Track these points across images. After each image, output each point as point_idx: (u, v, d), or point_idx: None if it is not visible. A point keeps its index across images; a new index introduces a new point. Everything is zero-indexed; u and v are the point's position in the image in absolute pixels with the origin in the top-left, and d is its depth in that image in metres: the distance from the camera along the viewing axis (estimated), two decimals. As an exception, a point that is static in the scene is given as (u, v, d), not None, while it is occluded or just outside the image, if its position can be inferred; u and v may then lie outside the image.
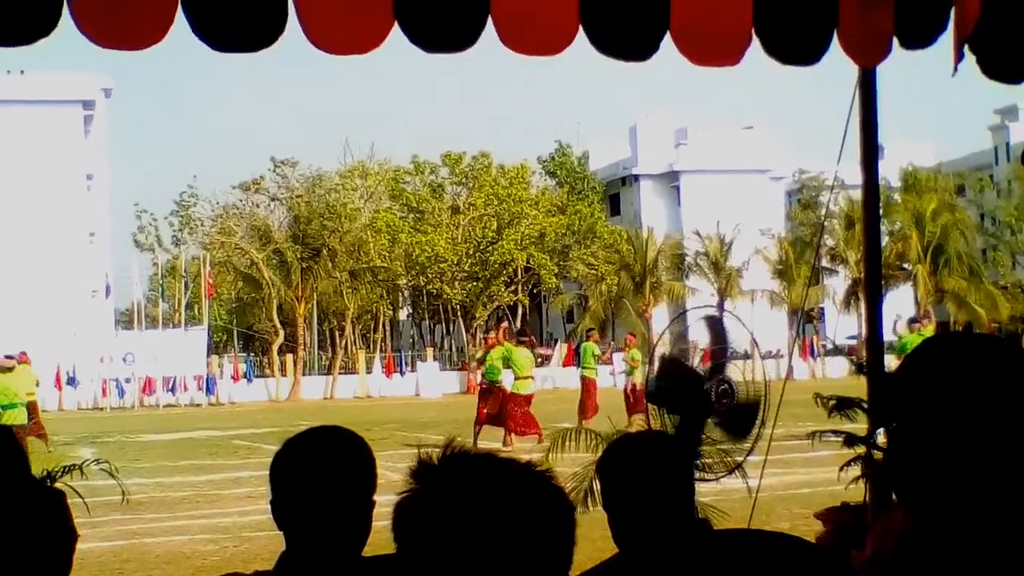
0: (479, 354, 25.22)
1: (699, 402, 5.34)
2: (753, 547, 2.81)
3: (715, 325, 6.08)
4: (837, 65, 3.97)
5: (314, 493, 2.48)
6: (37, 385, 25.02)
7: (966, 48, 3.94)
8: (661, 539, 2.78)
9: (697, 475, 3.10)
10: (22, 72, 59.93)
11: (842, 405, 7.25)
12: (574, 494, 7.38)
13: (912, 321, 23.72)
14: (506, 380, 22.79)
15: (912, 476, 1.67)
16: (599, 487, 2.98)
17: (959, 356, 1.69)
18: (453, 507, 1.48)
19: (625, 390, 26.53)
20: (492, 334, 25.34)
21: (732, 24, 3.66)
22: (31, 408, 25.21)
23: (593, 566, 2.79)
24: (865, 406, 7.08)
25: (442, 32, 3.41)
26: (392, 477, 2.05)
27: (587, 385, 26.00)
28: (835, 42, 3.81)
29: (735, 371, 5.61)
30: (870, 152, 4.67)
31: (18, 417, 20.53)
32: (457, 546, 1.46)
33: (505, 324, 30.49)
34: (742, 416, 5.53)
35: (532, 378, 23.05)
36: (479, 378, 24.64)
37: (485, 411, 22.33)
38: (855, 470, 7.11)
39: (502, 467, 1.55)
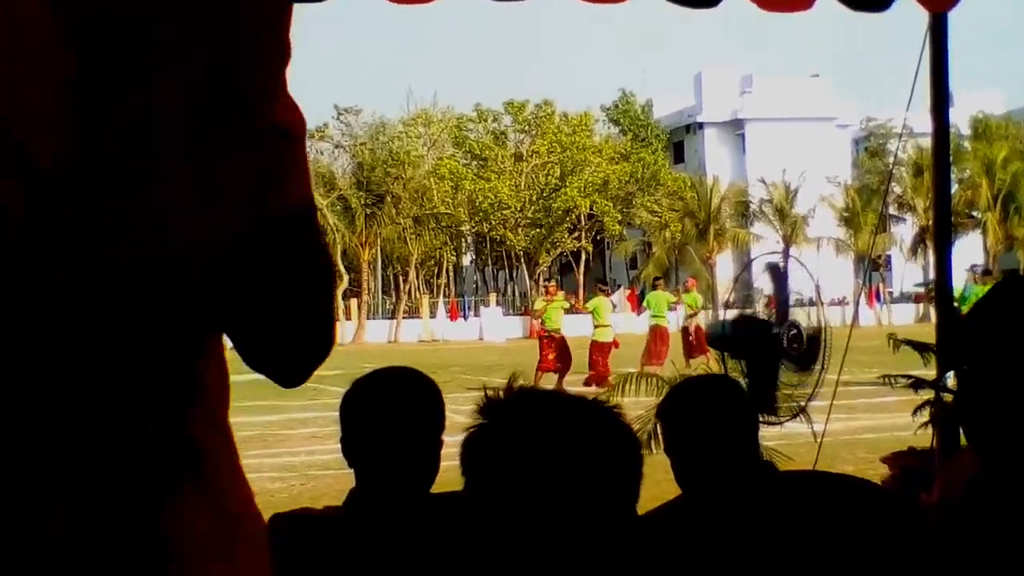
0: (539, 304, 25.41)
1: (770, 346, 5.33)
2: (818, 489, 2.83)
3: (777, 274, 6.06)
4: (906, 11, 3.92)
5: (383, 431, 2.54)
6: None
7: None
8: (724, 482, 2.80)
9: (761, 419, 3.10)
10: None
11: (913, 347, 7.21)
12: (638, 436, 7.44)
13: (985, 273, 23.45)
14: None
15: (981, 418, 1.69)
16: (661, 431, 3.01)
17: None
18: (520, 441, 1.48)
19: (685, 334, 26.44)
20: (552, 284, 25.65)
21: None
22: None
23: (658, 506, 2.82)
24: (934, 350, 7.06)
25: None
26: (457, 420, 2.10)
27: (660, 334, 25.84)
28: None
29: (801, 316, 5.60)
30: (941, 99, 4.62)
31: None
32: (524, 480, 1.46)
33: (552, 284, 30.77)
34: (811, 356, 5.52)
35: (610, 326, 23.61)
36: (539, 326, 24.84)
37: (551, 358, 22.67)
38: (924, 415, 7.09)
39: (568, 403, 1.55)
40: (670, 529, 2.76)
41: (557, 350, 22.87)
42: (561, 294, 25.48)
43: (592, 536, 1.48)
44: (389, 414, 2.56)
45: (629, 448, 1.55)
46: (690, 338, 25.84)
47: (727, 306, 6.14)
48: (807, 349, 5.47)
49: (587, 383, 21.53)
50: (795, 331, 5.46)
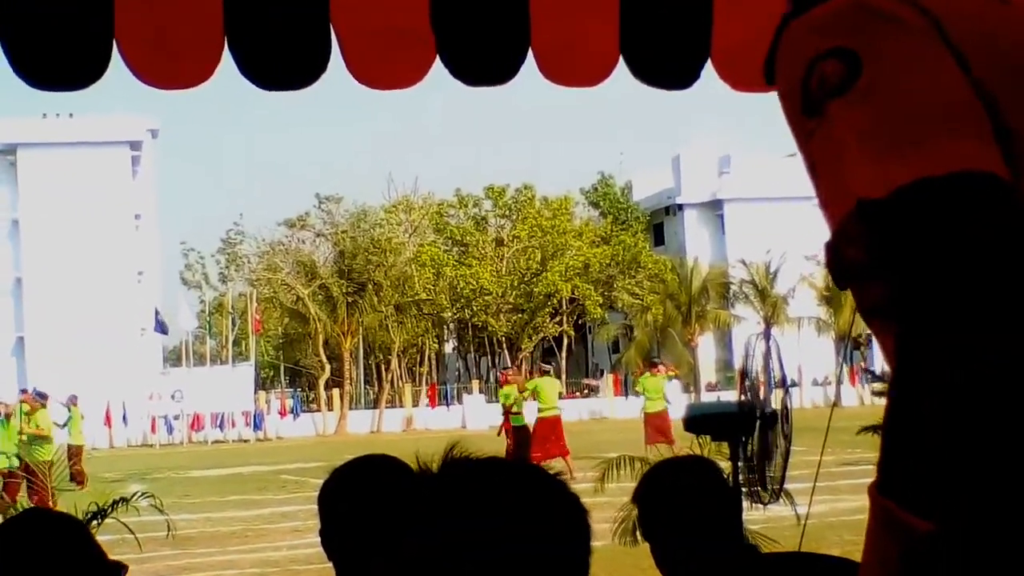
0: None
1: (758, 429, 5.29)
2: (804, 570, 2.78)
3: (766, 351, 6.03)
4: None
5: (363, 520, 2.49)
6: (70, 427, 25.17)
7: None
8: (707, 567, 2.74)
9: (744, 501, 3.06)
10: (71, 115, 60.84)
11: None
12: (624, 525, 7.35)
13: None
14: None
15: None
16: (638, 516, 2.93)
17: None
18: (454, 518, 1.35)
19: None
20: (510, 369, 25.37)
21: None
22: (73, 452, 25.27)
23: None
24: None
25: (483, 65, 3.43)
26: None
27: (664, 416, 25.44)
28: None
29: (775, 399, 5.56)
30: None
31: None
32: (462, 559, 1.32)
33: (512, 368, 30.08)
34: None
35: (556, 407, 23.10)
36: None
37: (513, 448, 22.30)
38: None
39: (506, 471, 1.41)
40: None
41: (524, 436, 22.52)
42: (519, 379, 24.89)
43: None
44: (368, 504, 2.51)
45: (576, 520, 1.38)
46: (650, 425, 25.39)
47: (711, 389, 6.12)
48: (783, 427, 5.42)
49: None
50: (771, 412, 5.42)
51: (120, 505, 6.91)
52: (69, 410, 26.83)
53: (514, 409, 23.08)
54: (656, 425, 24.64)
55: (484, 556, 1.33)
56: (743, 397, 5.62)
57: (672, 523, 2.76)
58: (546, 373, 24.81)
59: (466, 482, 1.40)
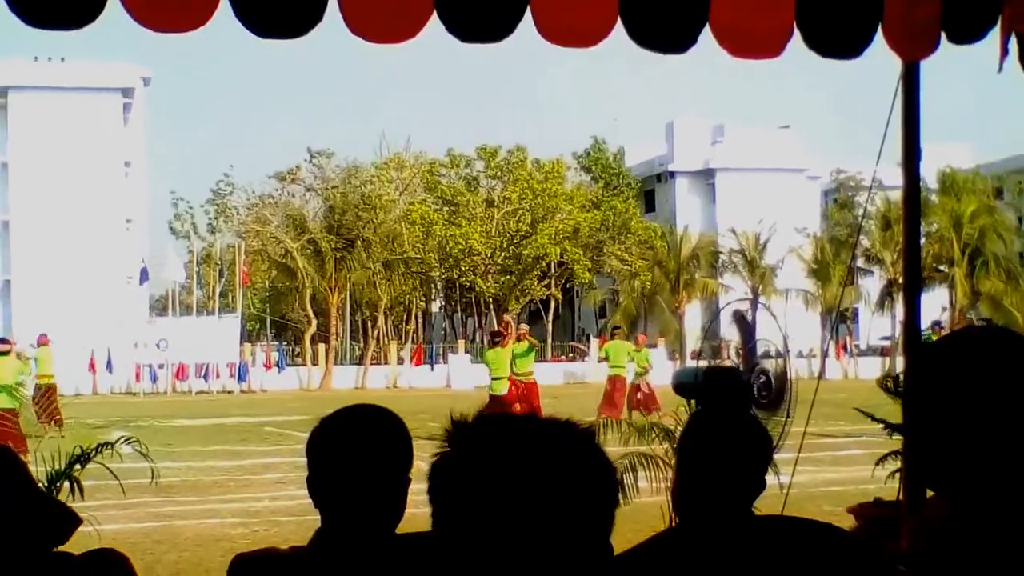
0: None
1: (742, 394, 5.31)
2: (791, 532, 2.83)
3: (743, 322, 6.06)
4: (877, 61, 3.93)
5: (350, 469, 2.50)
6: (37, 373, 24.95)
7: (1012, 43, 3.89)
8: (727, 516, 2.81)
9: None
10: (63, 59, 60.45)
11: (874, 420, 7.23)
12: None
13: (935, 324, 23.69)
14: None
15: (938, 463, 1.67)
16: (683, 453, 2.97)
17: (979, 349, 1.69)
18: (488, 469, 1.39)
19: (634, 391, 25.91)
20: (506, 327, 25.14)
21: (773, 15, 3.63)
22: (47, 392, 25.09)
23: (646, 539, 2.81)
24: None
25: (480, 22, 3.41)
26: (423, 467, 2.05)
27: (618, 383, 25.82)
28: (878, 35, 3.77)
29: (769, 367, 5.59)
30: (912, 150, 4.62)
31: (2, 402, 20.38)
32: (493, 507, 1.37)
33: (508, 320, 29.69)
34: (775, 405, 5.52)
35: (504, 378, 22.15)
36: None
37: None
38: (889, 464, 7.09)
39: (539, 425, 1.45)
40: (655, 563, 2.75)
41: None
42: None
43: (567, 569, 1.39)
44: (357, 452, 2.52)
45: (604, 473, 1.44)
46: (638, 395, 25.54)
47: (695, 356, 6.15)
48: (772, 398, 5.45)
49: None
50: (764, 378, 5.45)
51: (103, 449, 6.91)
52: (37, 348, 26.32)
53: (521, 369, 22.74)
54: (614, 389, 25.12)
55: (518, 502, 1.36)
56: (736, 363, 5.66)
57: (723, 465, 2.84)
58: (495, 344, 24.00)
59: (500, 434, 1.43)
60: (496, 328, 31.25)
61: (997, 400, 1.62)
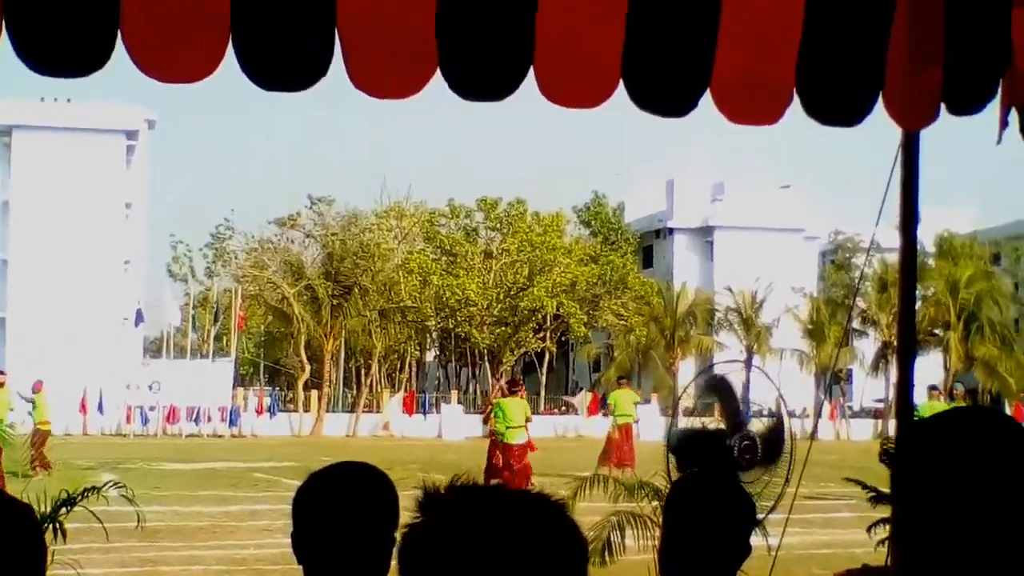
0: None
1: (723, 457, 5.32)
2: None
3: (722, 387, 6.08)
4: (879, 126, 3.97)
5: (336, 527, 2.49)
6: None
7: (1012, 116, 3.94)
8: None
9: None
10: (69, 100, 60.71)
11: (863, 488, 7.25)
12: (592, 545, 7.35)
13: (933, 388, 23.71)
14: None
15: (926, 537, 1.67)
16: (668, 518, 2.99)
17: (971, 431, 1.70)
18: (459, 540, 1.40)
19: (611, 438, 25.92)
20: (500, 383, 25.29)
21: (773, 82, 3.66)
22: (44, 438, 25.32)
23: None
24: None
25: (483, 81, 3.44)
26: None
27: (627, 431, 25.76)
28: (879, 104, 3.81)
29: (760, 425, 5.61)
30: (909, 216, 4.65)
31: None
32: None
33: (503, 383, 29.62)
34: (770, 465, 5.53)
35: (523, 427, 22.00)
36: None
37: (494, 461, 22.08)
38: (880, 532, 7.07)
39: (512, 498, 1.46)
40: None
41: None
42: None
43: None
44: (343, 512, 2.51)
45: (575, 547, 1.45)
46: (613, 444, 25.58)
47: (689, 414, 6.15)
48: (760, 459, 5.46)
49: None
50: (748, 442, 5.45)
51: (90, 494, 6.88)
52: (33, 395, 26.66)
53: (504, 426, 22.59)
54: (624, 437, 25.06)
55: (486, 573, 1.37)
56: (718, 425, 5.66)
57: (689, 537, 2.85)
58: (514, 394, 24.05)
59: (473, 506, 1.44)
60: (513, 378, 31.37)
61: (982, 486, 1.63)
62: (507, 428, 21.70)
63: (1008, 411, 56.88)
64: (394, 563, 1.97)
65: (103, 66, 3.22)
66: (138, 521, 8.40)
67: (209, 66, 3.29)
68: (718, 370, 5.97)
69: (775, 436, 5.84)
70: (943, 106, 3.88)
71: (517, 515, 1.43)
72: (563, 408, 64.37)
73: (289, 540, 2.58)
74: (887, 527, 6.89)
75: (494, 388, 23.81)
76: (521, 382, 24.06)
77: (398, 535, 1.52)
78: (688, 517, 2.87)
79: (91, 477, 21.75)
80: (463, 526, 1.42)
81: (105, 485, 7.50)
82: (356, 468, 2.62)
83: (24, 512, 2.16)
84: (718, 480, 3.13)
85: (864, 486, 7.26)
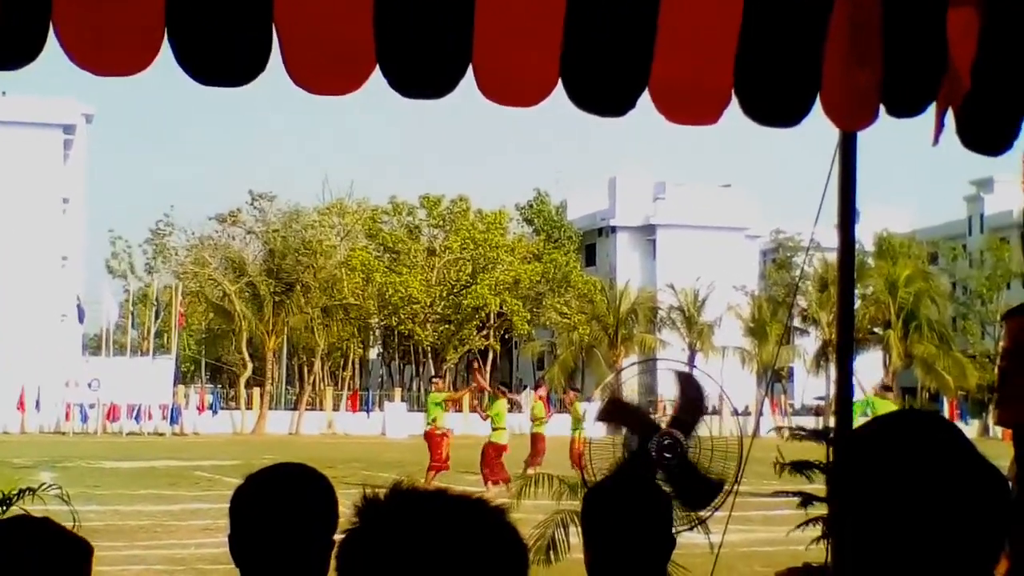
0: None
1: (638, 456, 5.37)
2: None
3: (687, 381, 6.11)
4: (819, 126, 3.99)
5: (273, 530, 2.46)
6: None
7: (948, 118, 3.98)
8: None
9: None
10: (3, 93, 59.87)
11: (795, 468, 7.29)
12: (537, 543, 7.35)
13: (885, 388, 23.94)
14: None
15: (860, 542, 1.68)
16: (584, 528, 2.98)
17: (908, 439, 1.70)
18: (396, 544, 1.38)
19: (572, 445, 26.00)
20: (438, 379, 25.60)
21: (712, 83, 3.67)
22: None
23: None
24: (819, 467, 7.13)
25: (421, 78, 3.42)
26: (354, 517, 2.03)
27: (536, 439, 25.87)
28: (817, 104, 3.82)
29: (703, 429, 5.65)
30: (847, 215, 4.69)
31: None
32: None
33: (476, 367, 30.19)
34: (695, 482, 5.55)
35: (505, 429, 23.21)
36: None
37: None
38: (815, 530, 7.13)
39: (451, 503, 1.45)
40: None
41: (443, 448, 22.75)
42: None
43: None
44: (279, 512, 2.48)
45: (515, 552, 1.44)
46: (577, 448, 25.60)
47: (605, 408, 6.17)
48: (688, 472, 5.50)
49: (495, 483, 21.39)
50: (669, 441, 5.49)
51: (26, 494, 6.78)
52: None
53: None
54: (537, 447, 25.18)
55: None
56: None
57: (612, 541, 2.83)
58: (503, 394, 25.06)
59: (410, 511, 1.43)
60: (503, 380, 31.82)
61: (916, 494, 1.64)
62: (495, 428, 22.95)
63: (946, 408, 57.66)
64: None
65: (33, 60, 3.16)
66: (74, 521, 8.28)
67: (143, 60, 3.25)
68: (666, 366, 6.04)
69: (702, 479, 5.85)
70: (882, 108, 3.91)
71: (455, 519, 1.43)
72: (509, 406, 64.36)
73: (228, 540, 2.55)
74: (820, 525, 6.95)
75: (490, 388, 24.48)
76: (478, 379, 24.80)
77: (336, 537, 1.50)
78: (606, 525, 2.86)
79: (29, 476, 21.47)
80: (400, 530, 1.40)
81: (42, 486, 7.40)
82: (293, 469, 2.59)
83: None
84: (629, 481, 3.13)
85: (793, 493, 7.33)
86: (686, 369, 6.27)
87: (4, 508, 6.65)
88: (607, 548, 2.84)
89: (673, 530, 3.00)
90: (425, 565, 1.37)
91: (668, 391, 6.17)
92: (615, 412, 6.08)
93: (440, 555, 1.38)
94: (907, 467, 1.65)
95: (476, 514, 1.44)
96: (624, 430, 5.87)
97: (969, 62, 3.78)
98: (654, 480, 3.35)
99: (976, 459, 1.65)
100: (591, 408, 28.72)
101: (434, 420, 23.06)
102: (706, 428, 5.91)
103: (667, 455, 5.48)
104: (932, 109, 3.95)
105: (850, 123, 4.13)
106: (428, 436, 23.23)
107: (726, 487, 5.75)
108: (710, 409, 6.17)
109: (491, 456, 22.49)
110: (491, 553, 1.42)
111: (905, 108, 3.92)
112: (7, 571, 2.55)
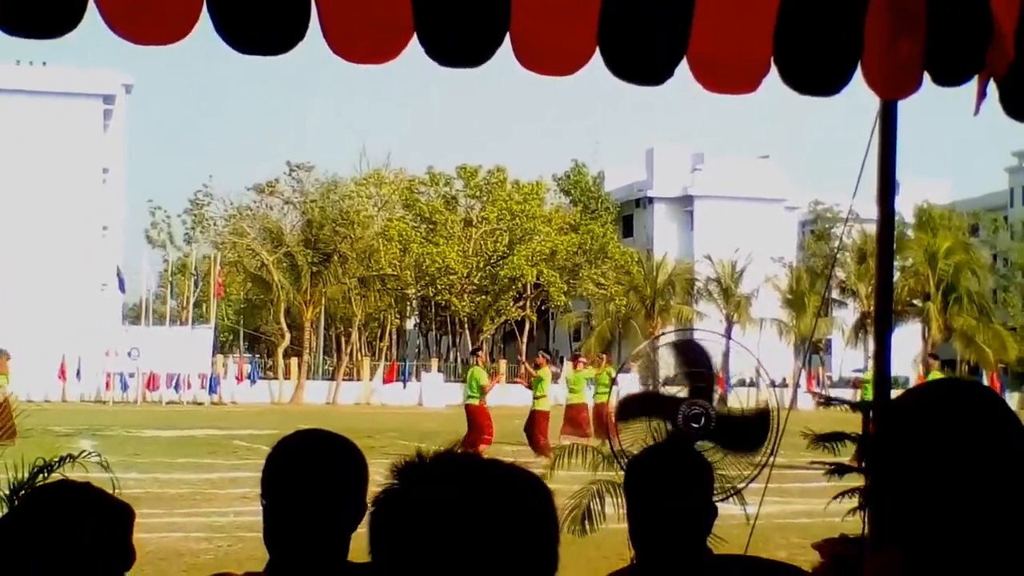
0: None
1: (666, 422, 5.38)
2: (749, 573, 2.83)
3: (685, 350, 6.11)
4: (859, 96, 3.95)
5: (302, 495, 2.46)
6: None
7: (990, 87, 3.92)
8: (682, 552, 2.85)
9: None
10: (44, 63, 60.16)
11: (825, 439, 7.28)
12: (572, 513, 7.36)
13: (932, 357, 23.89)
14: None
15: (896, 514, 1.67)
16: (628, 497, 2.99)
17: (946, 406, 1.68)
18: (431, 505, 1.40)
19: (597, 411, 26.00)
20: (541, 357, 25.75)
21: (751, 52, 3.64)
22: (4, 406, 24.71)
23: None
24: (852, 438, 7.10)
25: (459, 47, 3.41)
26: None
27: (580, 408, 25.83)
28: (858, 73, 3.78)
29: (734, 399, 5.66)
30: (887, 187, 4.64)
31: None
32: (433, 545, 1.38)
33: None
34: (743, 436, 5.55)
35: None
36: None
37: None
38: (850, 501, 7.11)
39: (484, 466, 1.47)
40: None
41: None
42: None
43: None
44: (308, 480, 2.47)
45: (546, 515, 1.46)
46: (599, 416, 25.60)
47: (667, 383, 6.16)
48: (754, 430, 5.49)
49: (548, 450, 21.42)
50: (698, 409, 5.48)
51: (67, 462, 6.85)
52: None
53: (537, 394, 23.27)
54: (570, 417, 25.14)
55: (458, 540, 1.38)
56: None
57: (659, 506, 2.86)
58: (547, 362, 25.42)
59: (446, 472, 1.45)
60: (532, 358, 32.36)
61: (960, 462, 1.62)
62: (543, 396, 23.26)
63: (985, 381, 57.24)
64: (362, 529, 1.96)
65: (74, 28, 3.17)
66: (113, 488, 8.38)
67: (182, 29, 3.25)
68: (680, 337, 6.05)
69: (744, 421, 5.85)
70: (927, 76, 3.87)
71: (490, 481, 1.44)
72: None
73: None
74: (856, 497, 6.93)
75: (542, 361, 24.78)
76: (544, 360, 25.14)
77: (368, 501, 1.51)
78: (648, 493, 2.87)
79: (69, 444, 21.69)
80: (435, 491, 1.42)
81: (82, 453, 7.47)
82: (320, 436, 2.58)
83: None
84: (669, 450, 3.13)
85: (829, 464, 7.30)
86: (687, 339, 6.27)
87: (46, 474, 6.72)
88: (649, 517, 2.85)
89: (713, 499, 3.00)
90: (457, 523, 1.39)
91: (719, 364, 6.16)
92: (632, 408, 6.10)
93: (472, 513, 1.40)
94: (948, 437, 1.63)
95: (511, 476, 1.46)
96: (651, 420, 5.88)
97: (1012, 31, 3.73)
98: (694, 448, 3.35)
99: (1019, 429, 1.63)
100: (623, 380, 28.74)
101: (479, 392, 22.89)
102: (738, 401, 5.92)
103: (693, 424, 5.49)
104: (974, 79, 3.90)
105: (891, 91, 4.08)
106: (475, 411, 22.87)
107: (764, 450, 5.74)
108: (747, 381, 6.19)
109: (541, 424, 22.61)
110: (523, 513, 1.43)
111: (950, 78, 3.87)
112: (51, 532, 2.59)
